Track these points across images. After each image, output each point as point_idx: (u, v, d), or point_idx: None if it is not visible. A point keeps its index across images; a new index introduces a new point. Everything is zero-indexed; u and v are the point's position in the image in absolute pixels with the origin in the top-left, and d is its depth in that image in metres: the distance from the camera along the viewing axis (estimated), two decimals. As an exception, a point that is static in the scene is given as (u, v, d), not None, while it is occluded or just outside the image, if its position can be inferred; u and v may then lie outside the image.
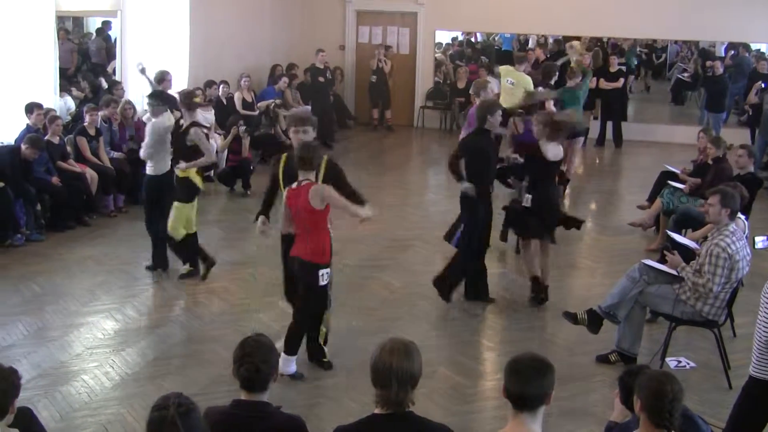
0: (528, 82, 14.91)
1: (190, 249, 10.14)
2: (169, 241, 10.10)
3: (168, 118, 10.18)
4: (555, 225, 9.60)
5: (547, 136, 9.26)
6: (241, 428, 4.34)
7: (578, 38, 21.30)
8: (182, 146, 9.77)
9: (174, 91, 14.12)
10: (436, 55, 21.77)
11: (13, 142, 11.92)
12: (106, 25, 17.43)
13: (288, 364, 7.55)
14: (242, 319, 8.96)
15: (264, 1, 19.47)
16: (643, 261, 8.29)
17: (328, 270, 7.49)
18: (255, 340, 4.51)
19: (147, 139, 10.16)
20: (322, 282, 7.44)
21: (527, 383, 3.99)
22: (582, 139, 15.48)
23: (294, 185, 7.37)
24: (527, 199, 9.42)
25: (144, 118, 13.92)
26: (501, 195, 11.30)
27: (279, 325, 8.76)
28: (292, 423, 4.49)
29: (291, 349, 7.62)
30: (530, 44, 22.41)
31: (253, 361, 4.36)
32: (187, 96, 10.05)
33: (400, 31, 21.33)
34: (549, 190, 9.51)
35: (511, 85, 15.03)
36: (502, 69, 15.46)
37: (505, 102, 14.90)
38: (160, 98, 10.43)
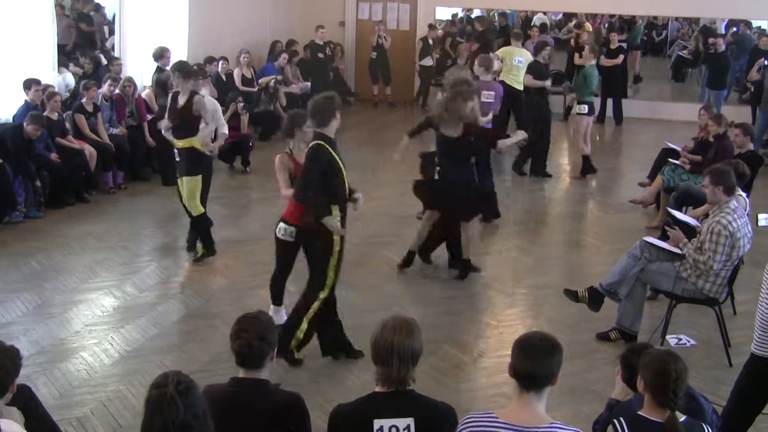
0: (530, 56, 15.03)
1: (204, 227, 10.11)
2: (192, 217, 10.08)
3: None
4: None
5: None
6: (240, 406, 4.32)
7: (577, 15, 21.30)
8: (187, 118, 9.71)
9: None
10: (437, 31, 21.67)
11: (11, 119, 11.88)
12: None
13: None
14: (243, 297, 8.93)
15: (263, -24, 19.39)
16: (644, 238, 8.28)
17: None
18: (252, 316, 4.48)
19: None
20: None
21: (536, 362, 3.95)
22: (587, 118, 14.60)
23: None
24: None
25: (144, 95, 13.89)
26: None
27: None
28: (291, 400, 4.46)
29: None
30: (535, 21, 22.33)
31: (247, 336, 4.31)
32: (184, 65, 9.98)
33: (401, 7, 21.22)
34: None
35: (520, 63, 15.05)
36: (505, 51, 15.45)
37: (516, 81, 14.93)
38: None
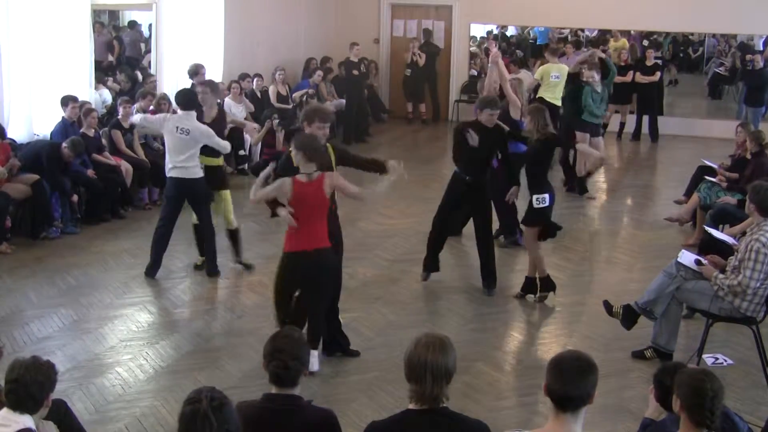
0: (566, 70, 14.88)
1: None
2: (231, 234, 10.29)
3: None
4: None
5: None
6: (272, 422, 4.32)
7: (610, 31, 21.23)
8: None
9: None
10: (471, 48, 21.68)
11: (49, 135, 12.01)
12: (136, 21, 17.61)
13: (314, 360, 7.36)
14: (276, 313, 8.93)
15: (299, -6, 19.52)
16: (683, 248, 8.22)
17: None
18: (286, 335, 4.49)
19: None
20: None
21: (571, 383, 3.91)
22: (587, 136, 13.82)
23: (304, 179, 7.16)
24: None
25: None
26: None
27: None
28: (324, 416, 4.46)
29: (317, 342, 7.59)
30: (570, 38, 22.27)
31: (282, 357, 4.33)
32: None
33: (435, 24, 21.24)
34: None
35: (557, 79, 14.93)
36: (543, 69, 15.30)
37: (555, 98, 14.83)
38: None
